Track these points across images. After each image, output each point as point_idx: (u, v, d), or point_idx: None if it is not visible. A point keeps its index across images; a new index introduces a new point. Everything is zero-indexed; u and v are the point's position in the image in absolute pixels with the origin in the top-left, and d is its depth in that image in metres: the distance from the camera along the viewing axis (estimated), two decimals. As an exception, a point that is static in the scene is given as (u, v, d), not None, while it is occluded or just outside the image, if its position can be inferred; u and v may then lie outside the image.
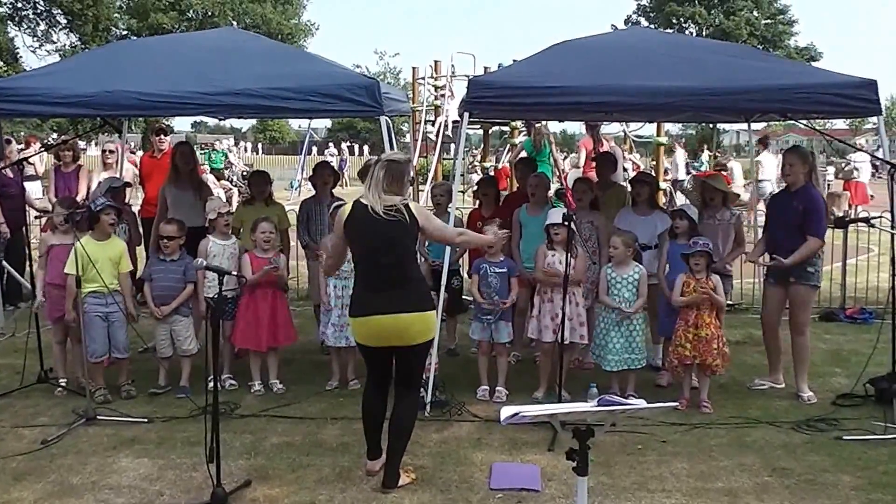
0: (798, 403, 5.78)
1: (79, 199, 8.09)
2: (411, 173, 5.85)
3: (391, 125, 5.81)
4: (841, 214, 14.38)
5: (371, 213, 4.17)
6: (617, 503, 4.19)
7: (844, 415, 5.48)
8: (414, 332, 4.22)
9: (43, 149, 12.24)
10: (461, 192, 12.95)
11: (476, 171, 16.20)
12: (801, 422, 5.35)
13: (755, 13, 51.71)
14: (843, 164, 19.47)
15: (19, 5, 33.76)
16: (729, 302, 7.10)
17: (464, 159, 14.81)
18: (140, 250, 7.35)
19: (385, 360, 4.36)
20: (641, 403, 3.08)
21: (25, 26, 34.10)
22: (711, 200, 6.47)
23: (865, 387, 5.75)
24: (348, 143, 45.88)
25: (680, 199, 15.12)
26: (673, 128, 47.98)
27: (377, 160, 4.31)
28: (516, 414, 2.75)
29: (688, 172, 19.90)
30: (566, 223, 5.33)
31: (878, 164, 21.50)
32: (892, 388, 5.33)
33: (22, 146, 12.49)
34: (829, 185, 19.90)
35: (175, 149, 7.35)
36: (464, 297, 7.17)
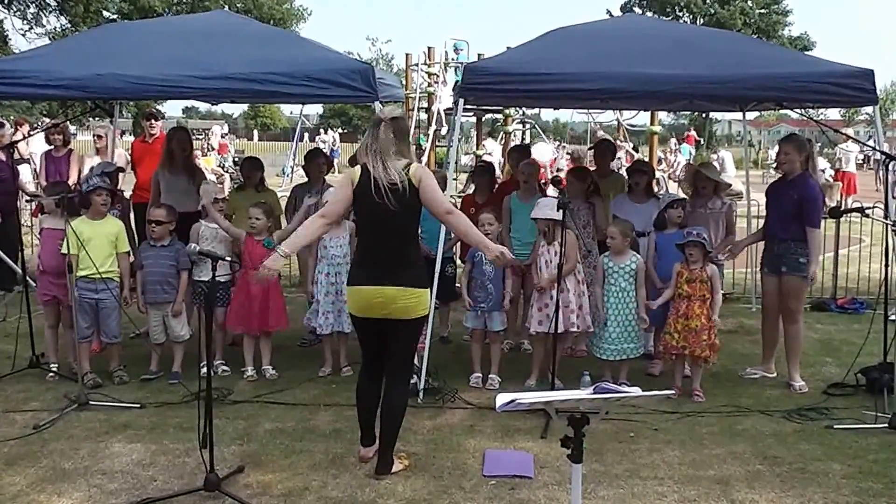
0: (789, 392, 5.80)
1: (70, 183, 8.05)
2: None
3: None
4: (834, 205, 14.43)
5: (374, 192, 4.07)
6: (610, 490, 4.20)
7: (835, 404, 5.50)
8: (403, 305, 4.18)
9: (34, 129, 12.13)
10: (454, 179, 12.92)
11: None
12: (793, 410, 5.37)
13: (749, 3, 51.69)
14: (835, 155, 19.55)
15: (8, -13, 33.42)
16: (721, 291, 7.12)
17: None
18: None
19: (376, 334, 4.31)
20: (637, 391, 3.09)
21: (15, 9, 33.70)
22: (703, 189, 6.47)
23: (856, 376, 5.78)
24: (341, 130, 45.66)
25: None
26: (665, 118, 48.07)
27: (378, 121, 4.12)
28: (512, 401, 2.75)
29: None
30: (560, 210, 5.32)
31: (869, 153, 21.58)
32: (883, 378, 5.36)
33: (13, 130, 12.37)
34: (823, 172, 19.95)
35: (171, 134, 7.29)
36: (457, 285, 7.16)
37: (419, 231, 4.39)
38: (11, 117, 16.29)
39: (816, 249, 5.75)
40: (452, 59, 14.28)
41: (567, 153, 14.82)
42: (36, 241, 6.13)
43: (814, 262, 5.75)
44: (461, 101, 5.85)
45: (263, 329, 5.97)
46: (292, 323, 6.37)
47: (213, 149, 25.77)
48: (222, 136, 32.61)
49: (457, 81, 13.10)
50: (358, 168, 4.25)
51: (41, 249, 5.90)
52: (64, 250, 5.53)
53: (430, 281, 4.46)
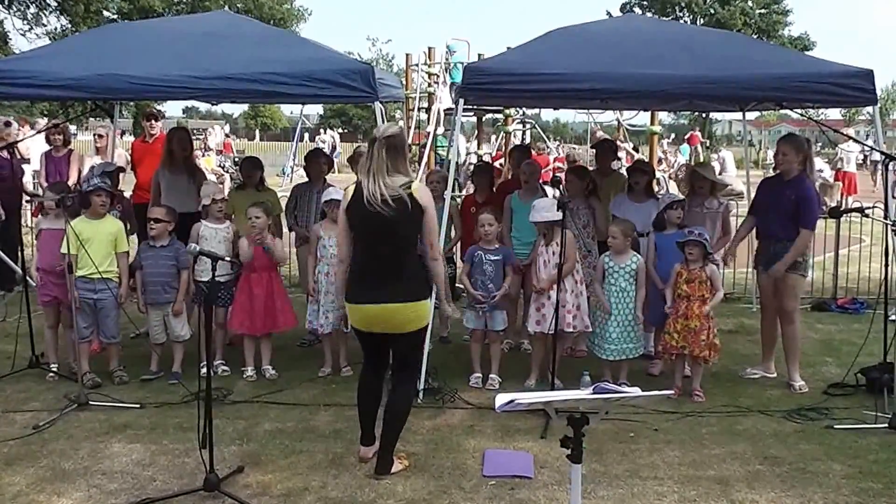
0: (789, 392, 5.80)
1: (70, 183, 8.05)
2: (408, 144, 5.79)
3: (384, 112, 5.78)
4: (834, 205, 14.44)
5: (368, 204, 4.07)
6: (609, 490, 4.20)
7: (835, 404, 5.50)
8: (405, 320, 4.20)
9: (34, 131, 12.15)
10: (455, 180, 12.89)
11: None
12: (793, 410, 5.37)
13: (750, 2, 51.68)
14: (836, 156, 19.56)
15: (9, -13, 33.43)
16: (722, 289, 7.13)
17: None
18: (132, 239, 7.29)
19: (379, 345, 4.34)
20: (636, 391, 3.08)
21: (15, 9, 33.72)
22: (700, 189, 6.47)
23: (856, 376, 5.78)
24: (341, 130, 45.57)
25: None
26: (666, 118, 48.08)
27: (373, 139, 4.16)
28: (512, 401, 2.75)
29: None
30: (560, 210, 5.31)
31: (867, 153, 21.55)
32: (883, 378, 5.36)
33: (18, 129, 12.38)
34: (820, 172, 19.96)
35: (171, 134, 7.28)
36: (457, 285, 7.16)
37: (418, 242, 4.35)
38: (11, 117, 16.30)
39: (801, 247, 5.72)
40: (447, 62, 14.26)
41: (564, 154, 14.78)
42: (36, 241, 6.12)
43: (790, 259, 5.69)
44: (461, 101, 5.85)
45: (271, 330, 5.99)
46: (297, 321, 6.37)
47: (209, 150, 25.74)
48: (226, 136, 32.83)
49: (452, 82, 13.09)
50: (351, 187, 4.28)
51: (41, 250, 5.88)
52: (63, 250, 5.53)
53: (429, 286, 4.45)
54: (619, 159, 13.33)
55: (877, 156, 20.55)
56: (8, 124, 9.59)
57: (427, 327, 4.50)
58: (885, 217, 5.81)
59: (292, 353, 6.55)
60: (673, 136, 31.31)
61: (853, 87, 5.52)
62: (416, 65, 15.33)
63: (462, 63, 12.35)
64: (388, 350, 4.36)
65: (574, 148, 14.67)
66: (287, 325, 6.07)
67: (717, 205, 6.44)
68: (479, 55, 13.44)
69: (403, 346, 4.32)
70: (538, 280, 5.74)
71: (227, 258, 5.02)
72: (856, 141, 16.93)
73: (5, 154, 8.08)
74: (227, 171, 20.27)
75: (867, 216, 6.11)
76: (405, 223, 4.15)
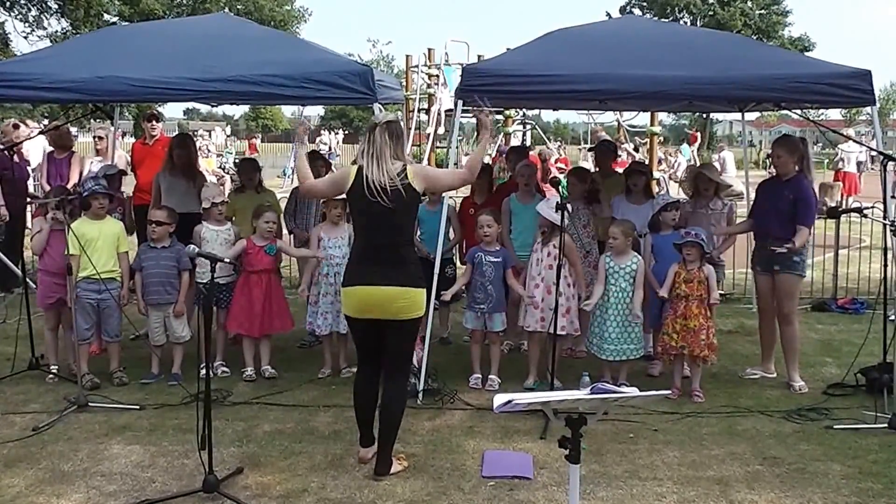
0: (789, 393, 5.80)
1: (70, 185, 8.05)
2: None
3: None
4: (833, 205, 14.44)
5: (368, 193, 4.13)
6: (609, 491, 4.20)
7: (835, 404, 5.50)
8: (398, 306, 4.21)
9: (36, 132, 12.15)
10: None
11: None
12: (793, 411, 5.37)
13: (749, 3, 51.70)
14: (834, 156, 19.53)
15: (10, -10, 33.43)
16: (721, 291, 7.12)
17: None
18: (133, 240, 7.30)
19: (372, 335, 4.33)
20: (634, 392, 3.08)
21: (17, 12, 33.74)
22: (705, 190, 6.47)
23: (856, 376, 5.78)
24: (345, 131, 45.59)
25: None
26: (666, 119, 48.00)
27: (374, 126, 4.22)
28: (510, 401, 2.75)
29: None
30: (560, 211, 5.31)
31: (873, 154, 21.42)
32: (883, 378, 5.36)
33: (28, 131, 12.36)
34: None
35: (176, 143, 7.20)
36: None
37: (416, 232, 4.40)
38: (11, 119, 16.31)
39: (801, 241, 5.70)
40: (445, 59, 14.31)
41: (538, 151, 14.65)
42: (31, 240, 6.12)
43: (797, 244, 5.66)
44: (460, 102, 5.85)
45: (268, 332, 6.00)
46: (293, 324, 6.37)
47: (209, 152, 25.88)
48: (252, 137, 33.77)
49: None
50: (354, 167, 4.29)
51: (50, 252, 5.88)
52: (70, 251, 5.53)
53: (427, 281, 4.46)
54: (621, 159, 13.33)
55: (862, 157, 20.59)
56: (17, 126, 9.62)
57: (421, 319, 4.50)
58: (885, 217, 5.81)
59: (292, 355, 6.55)
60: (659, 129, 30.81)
61: (851, 88, 5.52)
62: (416, 66, 15.36)
63: (462, 63, 12.39)
64: (381, 345, 4.35)
65: (545, 147, 14.50)
66: (283, 329, 6.09)
67: (721, 205, 6.44)
68: (479, 56, 13.47)
69: (396, 336, 4.30)
70: (529, 277, 5.75)
71: (227, 260, 5.02)
72: (855, 141, 16.95)
73: (14, 157, 8.11)
74: (228, 173, 20.29)
75: (866, 216, 6.11)
76: (402, 213, 4.22)
